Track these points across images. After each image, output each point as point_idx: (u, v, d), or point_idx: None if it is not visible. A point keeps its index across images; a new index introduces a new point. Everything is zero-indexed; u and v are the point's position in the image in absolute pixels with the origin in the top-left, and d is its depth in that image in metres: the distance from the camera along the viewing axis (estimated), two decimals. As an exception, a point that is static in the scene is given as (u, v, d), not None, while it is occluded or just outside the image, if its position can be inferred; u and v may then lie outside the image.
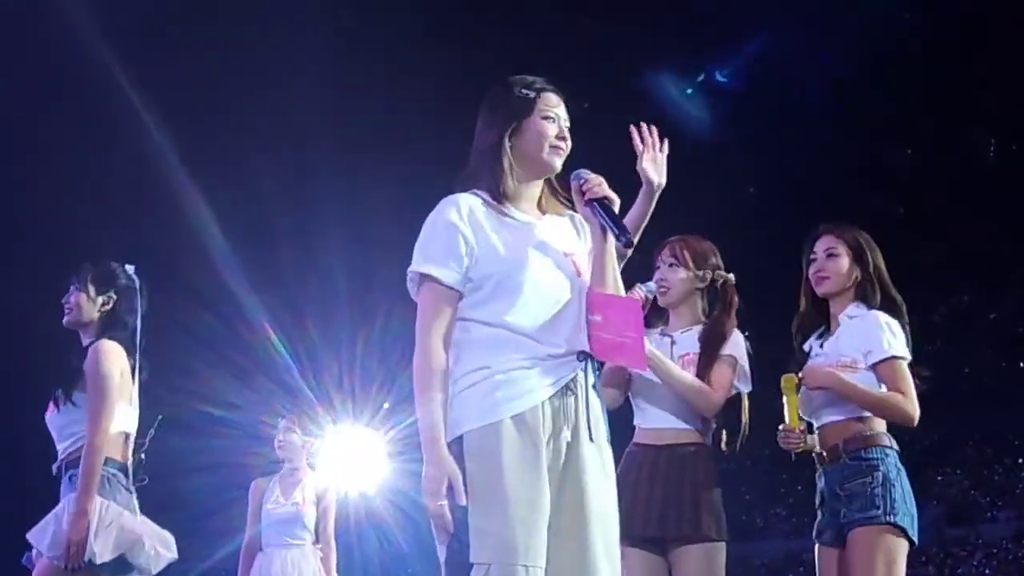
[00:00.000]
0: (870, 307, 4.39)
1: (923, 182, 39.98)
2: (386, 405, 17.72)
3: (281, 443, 6.94)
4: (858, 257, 4.42)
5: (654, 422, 4.40)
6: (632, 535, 4.21)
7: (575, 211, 3.27)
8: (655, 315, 4.61)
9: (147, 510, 4.71)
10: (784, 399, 4.34)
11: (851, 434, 4.26)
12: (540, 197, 3.27)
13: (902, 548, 4.16)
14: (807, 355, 4.48)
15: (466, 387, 2.99)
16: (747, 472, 34.49)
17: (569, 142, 3.21)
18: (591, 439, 3.06)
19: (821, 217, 4.66)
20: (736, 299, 4.59)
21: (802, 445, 4.32)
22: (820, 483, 4.34)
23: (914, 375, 4.33)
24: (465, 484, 2.89)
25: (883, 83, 34.94)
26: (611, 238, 3.13)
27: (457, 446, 2.95)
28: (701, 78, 26.65)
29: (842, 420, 4.29)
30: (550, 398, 3.00)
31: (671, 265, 4.54)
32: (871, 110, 37.88)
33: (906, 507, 4.20)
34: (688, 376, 4.37)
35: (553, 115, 3.19)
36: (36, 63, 17.00)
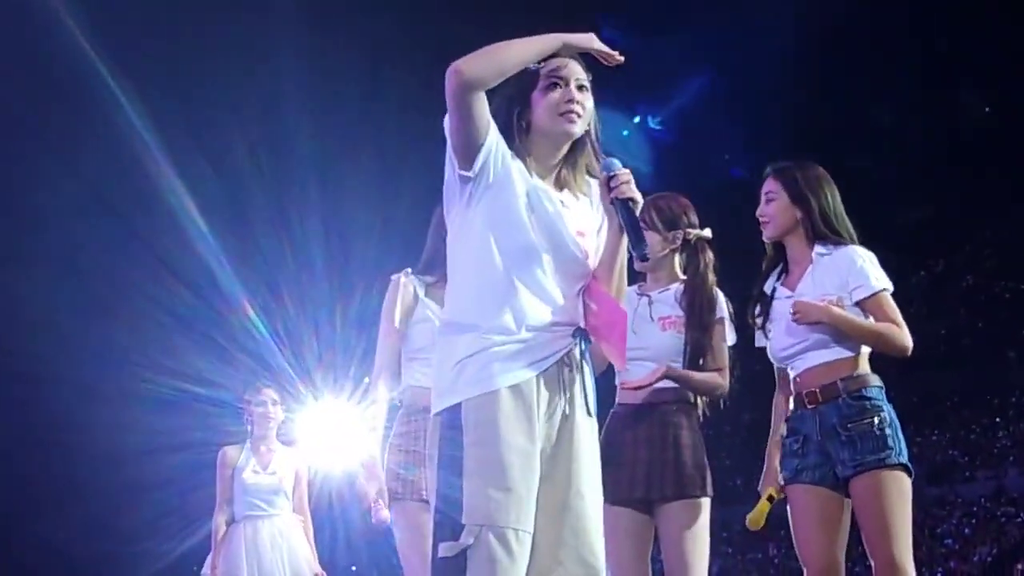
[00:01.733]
0: (837, 244, 4.26)
1: (909, 145, 40.26)
2: (366, 379, 17.69)
3: (269, 415, 6.85)
4: (797, 197, 4.28)
5: (637, 381, 4.38)
6: (619, 497, 4.25)
7: (594, 178, 3.25)
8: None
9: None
10: (759, 504, 4.38)
11: (847, 373, 4.14)
12: (560, 168, 3.24)
13: (910, 486, 4.15)
14: (770, 297, 4.36)
15: (467, 355, 3.02)
16: (727, 437, 34.66)
17: (583, 103, 3.16)
18: (588, 413, 3.13)
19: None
20: (711, 256, 4.54)
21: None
22: (803, 424, 4.20)
23: None
24: (462, 449, 2.97)
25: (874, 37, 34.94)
26: (626, 240, 3.12)
27: (455, 413, 3.01)
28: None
29: (834, 360, 4.16)
30: (546, 371, 3.06)
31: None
32: (857, 68, 38.05)
33: (905, 446, 4.18)
34: (706, 379, 4.38)
35: (559, 79, 3.15)
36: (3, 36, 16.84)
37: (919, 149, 40.82)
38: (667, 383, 4.37)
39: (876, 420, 4.11)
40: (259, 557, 6.57)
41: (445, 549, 2.93)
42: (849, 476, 4.10)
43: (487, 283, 3.06)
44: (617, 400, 4.51)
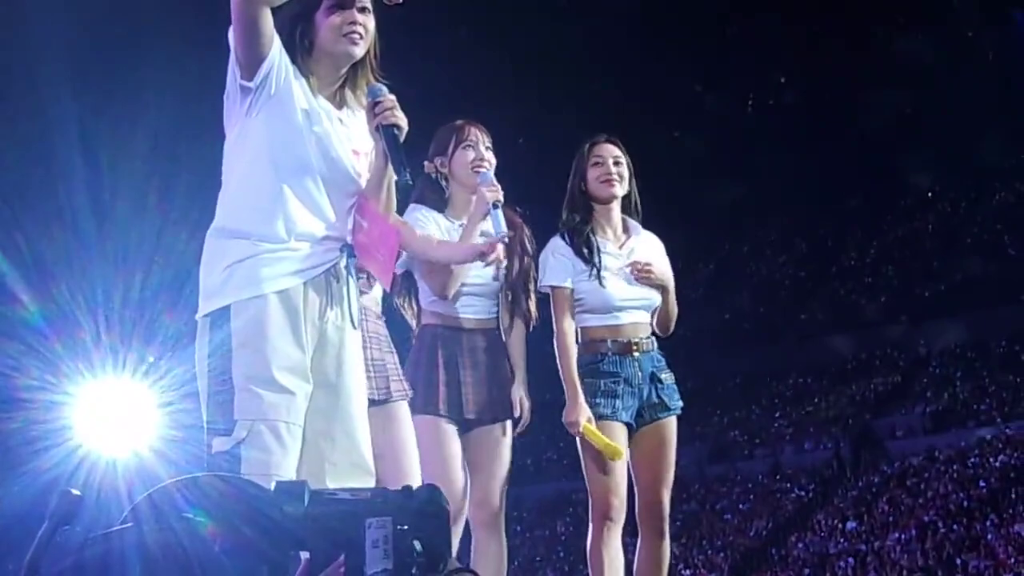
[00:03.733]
0: (636, 223, 4.70)
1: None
2: (151, 359, 17.11)
3: None
4: (631, 168, 4.64)
5: (463, 309, 4.37)
6: (445, 412, 4.26)
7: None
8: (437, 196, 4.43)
9: None
10: (595, 436, 4.36)
11: (652, 329, 4.61)
12: (341, 88, 3.29)
13: None
14: (599, 254, 4.54)
15: (237, 260, 3.06)
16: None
17: (366, 24, 3.19)
18: (354, 325, 3.23)
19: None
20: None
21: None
22: (623, 368, 4.48)
23: None
24: (231, 350, 3.02)
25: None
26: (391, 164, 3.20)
27: (223, 316, 3.06)
28: None
29: (649, 320, 4.59)
30: (313, 280, 3.13)
31: (489, 148, 4.43)
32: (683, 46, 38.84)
33: None
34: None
35: (342, 1, 3.16)
36: None
37: (715, 132, 42.10)
38: (491, 313, 4.42)
39: (673, 374, 4.59)
40: None
41: (218, 444, 2.98)
42: (658, 418, 4.51)
43: (261, 192, 3.11)
44: (432, 322, 4.43)
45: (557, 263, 4.54)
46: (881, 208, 43.31)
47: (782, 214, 44.20)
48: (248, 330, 3.03)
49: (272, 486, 2.88)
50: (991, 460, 29.37)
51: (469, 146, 4.35)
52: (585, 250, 4.52)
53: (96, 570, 1.93)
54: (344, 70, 3.25)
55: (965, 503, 26.75)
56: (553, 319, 4.53)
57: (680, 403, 4.57)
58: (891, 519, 27.46)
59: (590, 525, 4.40)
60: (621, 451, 4.36)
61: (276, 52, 3.09)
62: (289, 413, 3.01)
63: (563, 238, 4.57)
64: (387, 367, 4.17)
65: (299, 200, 3.11)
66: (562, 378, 4.46)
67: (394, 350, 4.29)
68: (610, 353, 4.49)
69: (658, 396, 4.50)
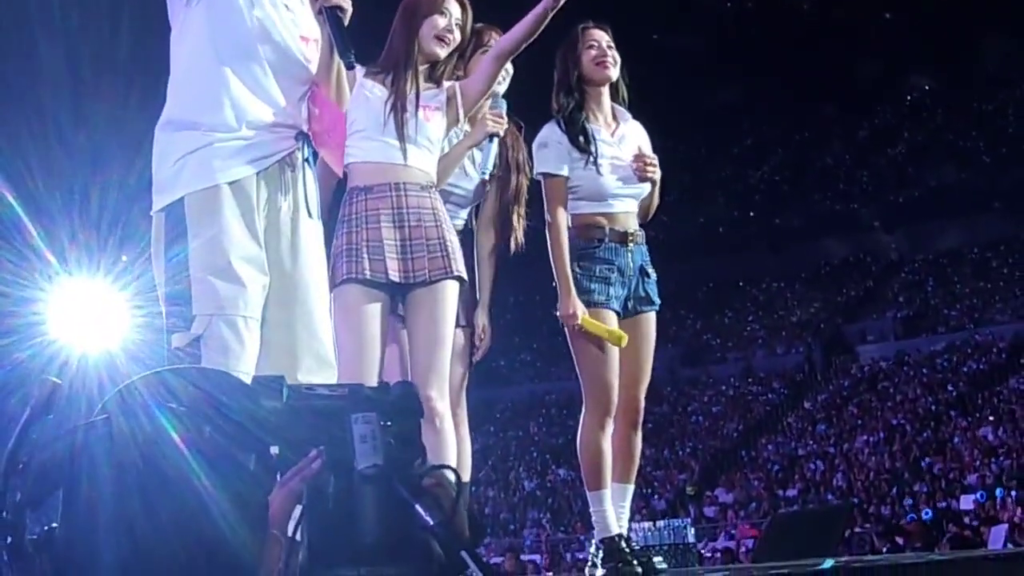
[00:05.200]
0: (624, 111, 4.63)
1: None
2: (124, 258, 17.06)
3: None
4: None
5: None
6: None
7: None
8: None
9: None
10: (598, 327, 4.33)
11: (639, 223, 4.58)
12: None
13: None
14: (595, 142, 4.47)
15: (188, 152, 3.03)
16: (493, 320, 35.19)
17: None
18: (310, 215, 3.19)
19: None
20: None
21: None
22: (617, 257, 4.45)
23: None
24: (187, 244, 3.00)
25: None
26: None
27: (177, 209, 3.02)
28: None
29: (637, 211, 4.57)
30: (267, 170, 3.10)
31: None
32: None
33: None
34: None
35: None
36: None
37: (693, 36, 41.72)
38: (464, 219, 4.31)
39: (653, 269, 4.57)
40: None
41: (177, 340, 2.98)
42: (641, 311, 4.50)
43: (206, 80, 3.06)
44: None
45: (552, 151, 4.43)
46: (856, 115, 43.21)
47: (758, 120, 44.04)
48: (203, 223, 2.99)
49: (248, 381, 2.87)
50: (960, 365, 29.80)
51: (488, 51, 4.14)
52: (581, 138, 4.45)
53: (67, 462, 1.94)
54: None
55: (933, 407, 27.18)
56: (545, 209, 4.43)
57: (659, 301, 4.56)
58: (860, 422, 27.88)
59: (584, 419, 4.39)
60: (625, 335, 4.34)
61: None
62: (246, 306, 2.99)
63: (558, 125, 4.47)
64: None
65: (245, 86, 3.07)
66: (554, 269, 4.39)
67: None
68: (607, 240, 4.45)
69: (644, 290, 4.49)
